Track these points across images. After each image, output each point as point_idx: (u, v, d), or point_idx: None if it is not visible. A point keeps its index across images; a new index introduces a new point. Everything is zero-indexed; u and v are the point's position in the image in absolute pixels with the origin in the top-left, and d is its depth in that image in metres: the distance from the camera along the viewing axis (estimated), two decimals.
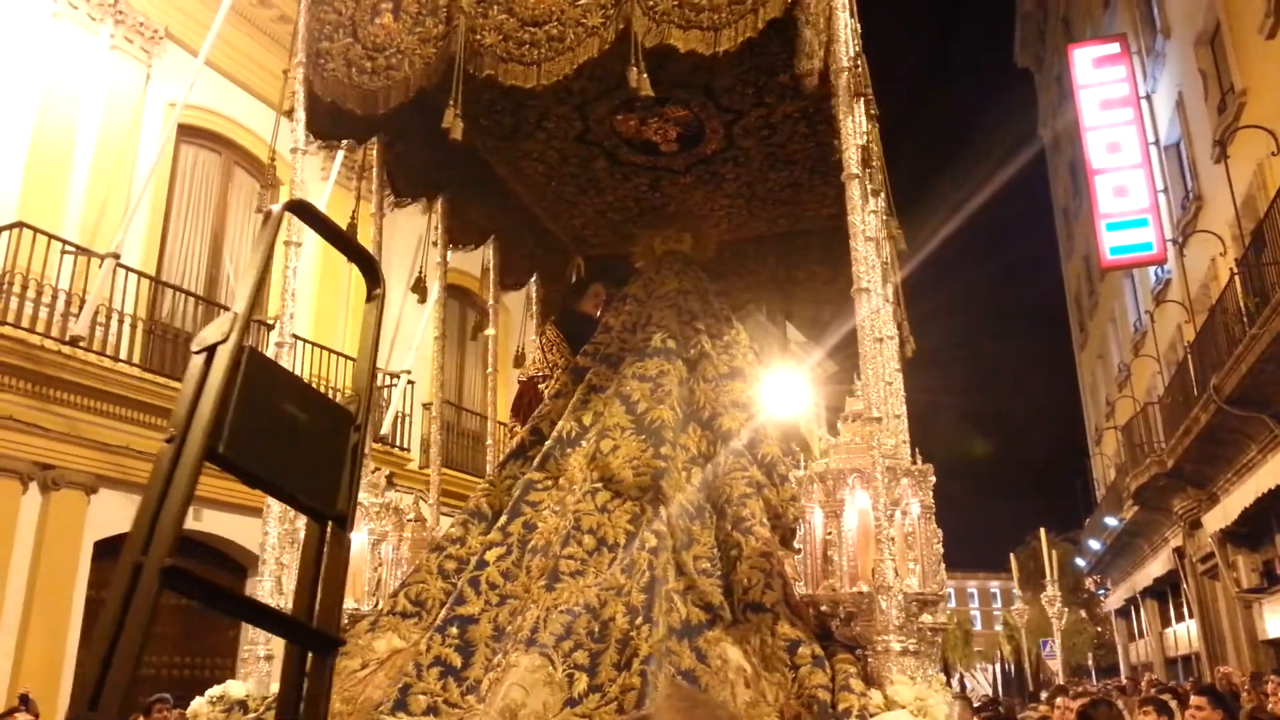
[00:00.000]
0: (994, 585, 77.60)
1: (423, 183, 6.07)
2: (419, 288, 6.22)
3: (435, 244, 6.38)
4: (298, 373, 12.53)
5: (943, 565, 5.04)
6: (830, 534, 3.94)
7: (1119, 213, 20.83)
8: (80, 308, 10.03)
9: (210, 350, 1.40)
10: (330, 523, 1.58)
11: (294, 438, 1.50)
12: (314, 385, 12.82)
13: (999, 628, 59.34)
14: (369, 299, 1.75)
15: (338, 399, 1.68)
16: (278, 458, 1.46)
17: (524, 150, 5.95)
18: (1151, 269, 22.18)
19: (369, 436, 5.48)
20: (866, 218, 4.24)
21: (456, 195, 6.25)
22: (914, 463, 4.39)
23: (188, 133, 12.26)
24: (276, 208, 1.59)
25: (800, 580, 4.09)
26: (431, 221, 6.42)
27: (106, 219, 10.86)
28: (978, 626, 70.72)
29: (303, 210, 1.66)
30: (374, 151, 5.69)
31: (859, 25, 4.64)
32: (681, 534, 4.35)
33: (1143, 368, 24.28)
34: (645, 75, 4.08)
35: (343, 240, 1.79)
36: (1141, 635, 29.82)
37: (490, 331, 6.68)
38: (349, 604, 4.61)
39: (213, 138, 12.82)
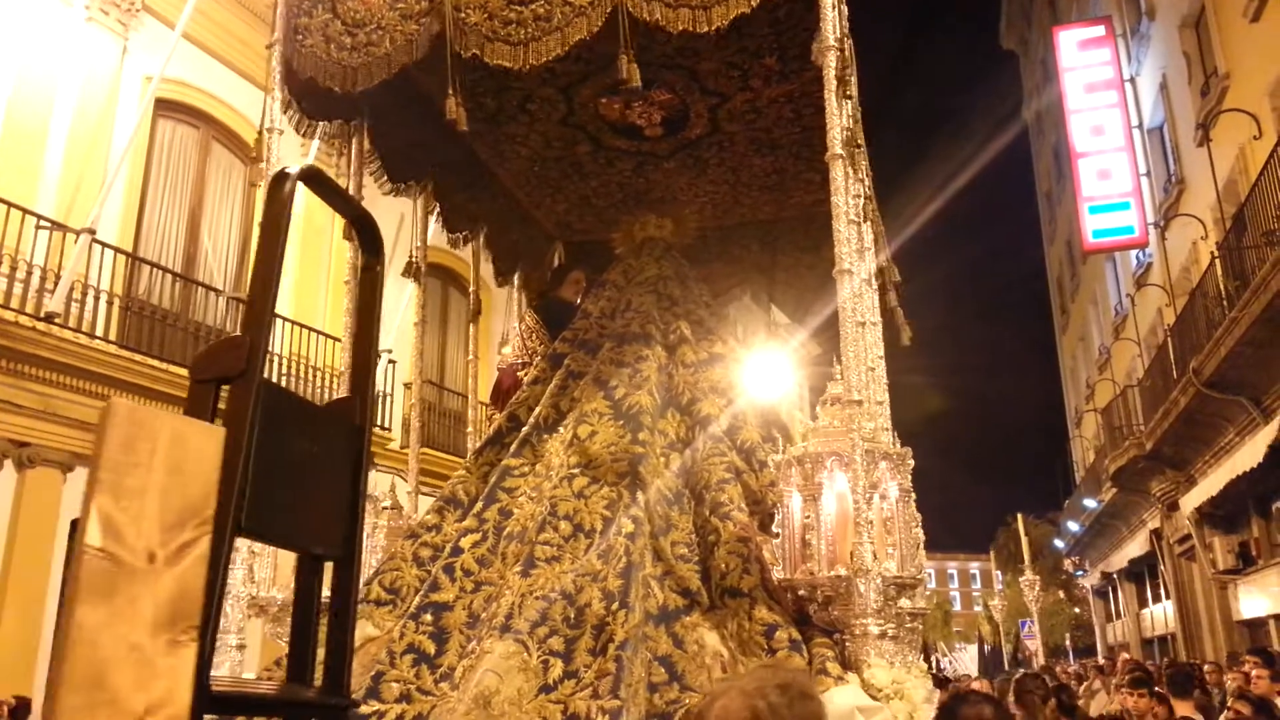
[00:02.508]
0: (974, 566, 78.19)
1: (407, 166, 5.98)
2: (411, 272, 6.14)
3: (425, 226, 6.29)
4: (277, 351, 12.50)
5: (922, 549, 5.04)
6: (808, 518, 3.92)
7: (1102, 196, 20.88)
8: (56, 284, 9.94)
9: (218, 382, 1.26)
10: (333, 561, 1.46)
11: (305, 475, 1.37)
12: (295, 361, 12.83)
13: (978, 608, 59.79)
14: (364, 270, 1.62)
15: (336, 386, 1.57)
16: (292, 507, 1.34)
17: (507, 134, 5.88)
18: (1133, 252, 22.27)
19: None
20: (849, 199, 4.20)
21: (441, 179, 6.17)
22: (894, 446, 4.37)
23: (165, 107, 12.11)
24: (292, 171, 1.42)
25: (779, 565, 4.08)
26: (415, 204, 6.34)
27: (82, 194, 10.73)
28: (957, 607, 71.22)
29: (316, 179, 1.51)
30: (355, 131, 5.60)
31: (845, 6, 4.60)
32: (659, 519, 4.33)
33: (1123, 350, 24.42)
34: (635, 65, 4.03)
35: (353, 210, 1.67)
36: (1119, 616, 30.12)
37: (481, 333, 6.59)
38: (324, 592, 4.55)
39: (191, 112, 12.66)
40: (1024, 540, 16.73)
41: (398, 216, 9.92)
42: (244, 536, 1.21)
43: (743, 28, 4.75)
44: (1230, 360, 12.98)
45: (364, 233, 1.63)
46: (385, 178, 5.91)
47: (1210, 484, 16.17)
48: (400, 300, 11.65)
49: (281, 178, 1.41)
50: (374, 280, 1.60)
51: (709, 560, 4.18)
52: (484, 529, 4.43)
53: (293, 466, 1.31)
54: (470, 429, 6.75)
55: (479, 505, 4.59)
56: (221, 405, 1.33)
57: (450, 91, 4.27)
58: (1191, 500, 17.60)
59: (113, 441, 1.18)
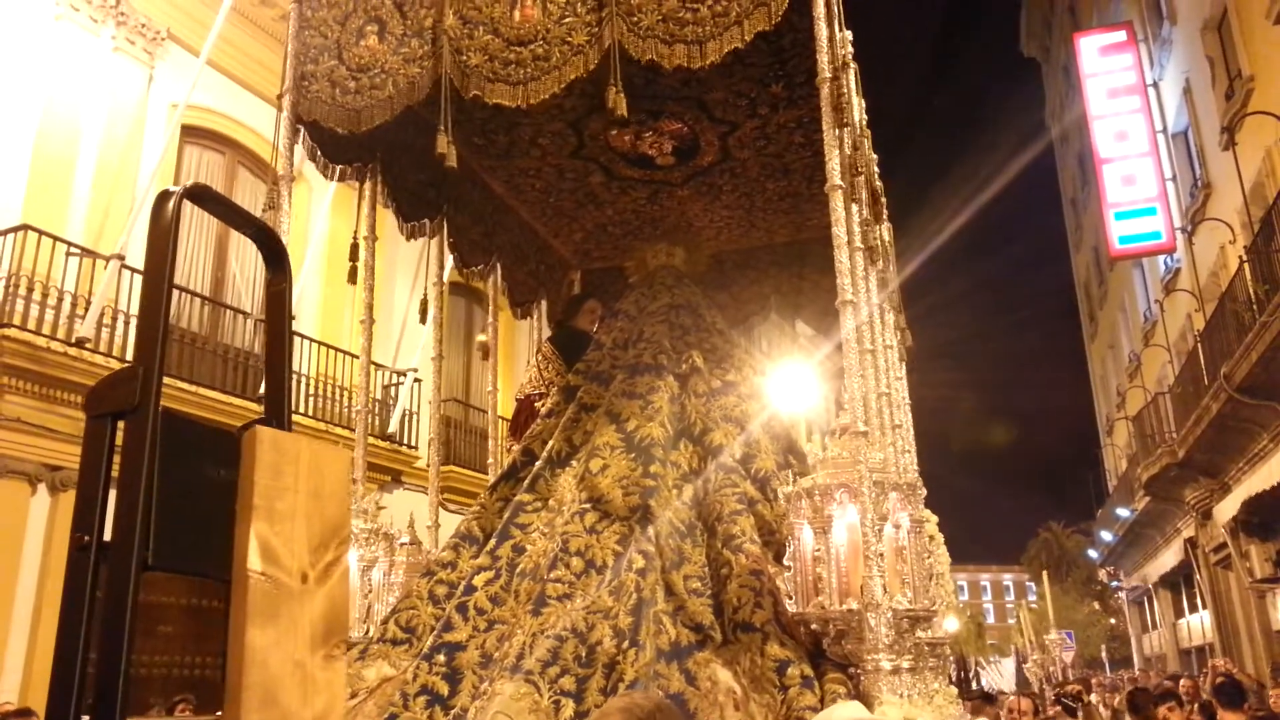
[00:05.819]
0: (1007, 578, 77.17)
1: (421, 204, 6.03)
2: (421, 310, 6.22)
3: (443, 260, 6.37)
4: (305, 372, 12.61)
5: (941, 578, 4.98)
6: (819, 550, 3.91)
7: (1127, 201, 20.71)
8: (86, 309, 10.08)
9: (114, 416, 1.23)
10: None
11: (215, 504, 1.29)
12: (322, 382, 12.94)
13: (1011, 620, 58.98)
14: (269, 288, 1.50)
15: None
16: (204, 536, 1.27)
17: (520, 168, 5.93)
18: (1161, 258, 22.05)
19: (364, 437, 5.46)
20: (852, 228, 4.20)
21: (455, 215, 6.22)
22: (912, 470, 4.34)
23: (191, 133, 12.29)
24: (175, 191, 1.33)
25: (792, 598, 4.06)
26: (428, 242, 6.39)
27: (111, 220, 10.90)
28: (990, 620, 70.00)
29: (204, 197, 1.41)
30: (370, 173, 5.67)
31: (849, 35, 4.61)
32: (672, 553, 4.30)
33: (1153, 357, 24.15)
34: (623, 95, 4.04)
35: (252, 225, 1.55)
36: (1155, 626, 29.73)
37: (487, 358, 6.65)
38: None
39: (216, 138, 12.84)
40: (1045, 554, 16.30)
41: (422, 242, 10.02)
42: (154, 571, 1.17)
43: (746, 58, 4.78)
44: (1262, 365, 12.84)
45: (266, 249, 1.52)
46: (400, 218, 5.98)
47: (1245, 491, 15.97)
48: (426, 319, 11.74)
49: (165, 197, 1.32)
50: (280, 299, 1.51)
51: (721, 594, 4.15)
52: (497, 566, 4.42)
53: (201, 496, 1.28)
54: (491, 460, 6.76)
55: (492, 542, 4.58)
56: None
57: (441, 129, 4.31)
58: (1226, 508, 17.38)
59: (263, 468, 1.23)
